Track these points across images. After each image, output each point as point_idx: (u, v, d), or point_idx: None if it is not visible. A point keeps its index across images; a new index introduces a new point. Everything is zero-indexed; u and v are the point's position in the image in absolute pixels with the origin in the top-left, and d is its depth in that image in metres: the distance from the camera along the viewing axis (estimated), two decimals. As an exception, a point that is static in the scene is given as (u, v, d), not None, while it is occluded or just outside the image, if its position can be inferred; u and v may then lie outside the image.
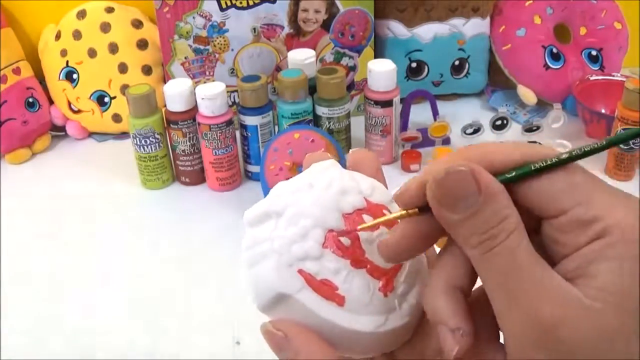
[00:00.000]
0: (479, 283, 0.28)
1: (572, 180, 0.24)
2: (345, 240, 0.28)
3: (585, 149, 0.25)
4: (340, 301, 0.27)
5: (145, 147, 0.81)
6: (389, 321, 0.28)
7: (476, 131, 0.87)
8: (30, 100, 0.95)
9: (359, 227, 0.28)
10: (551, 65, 0.96)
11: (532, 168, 0.24)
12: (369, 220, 0.29)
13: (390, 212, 0.30)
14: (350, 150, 0.33)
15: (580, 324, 0.22)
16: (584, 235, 0.23)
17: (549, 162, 0.24)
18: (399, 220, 0.27)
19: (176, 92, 0.79)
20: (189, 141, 0.82)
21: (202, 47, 0.91)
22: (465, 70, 1.01)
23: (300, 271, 0.27)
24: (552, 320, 0.22)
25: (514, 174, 0.25)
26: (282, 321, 0.28)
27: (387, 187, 0.32)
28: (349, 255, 0.28)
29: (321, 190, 0.29)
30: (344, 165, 0.32)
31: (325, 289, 0.27)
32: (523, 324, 0.23)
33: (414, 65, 0.99)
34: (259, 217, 0.29)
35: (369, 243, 0.29)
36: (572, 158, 0.25)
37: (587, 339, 0.22)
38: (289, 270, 0.27)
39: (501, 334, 0.26)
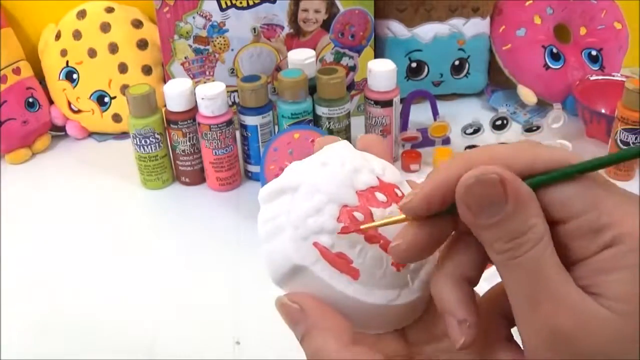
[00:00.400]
0: (490, 278, 0.28)
1: (583, 185, 0.24)
2: (359, 216, 0.28)
3: (616, 156, 0.24)
4: (354, 274, 0.28)
5: (145, 147, 0.81)
6: (401, 296, 0.29)
7: (476, 131, 0.87)
8: (30, 100, 0.95)
9: (362, 226, 0.28)
10: (551, 65, 0.96)
11: (568, 171, 0.24)
12: (381, 198, 0.30)
13: (401, 192, 0.31)
14: (359, 135, 0.34)
15: (597, 335, 0.22)
16: (594, 243, 0.23)
17: (583, 166, 0.24)
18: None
19: (176, 92, 0.79)
20: (189, 141, 0.82)
21: (202, 47, 0.91)
22: (465, 70, 1.01)
23: (316, 244, 0.28)
24: (570, 332, 0.23)
25: (546, 176, 0.24)
26: (298, 294, 0.28)
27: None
28: (362, 230, 0.28)
29: (335, 167, 0.29)
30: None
31: (340, 262, 0.28)
32: (541, 332, 0.23)
33: (414, 65, 0.99)
34: (274, 192, 0.29)
35: (381, 219, 0.29)
36: (606, 163, 0.24)
37: (604, 349, 0.22)
38: (304, 243, 0.28)
39: (515, 332, 0.26)
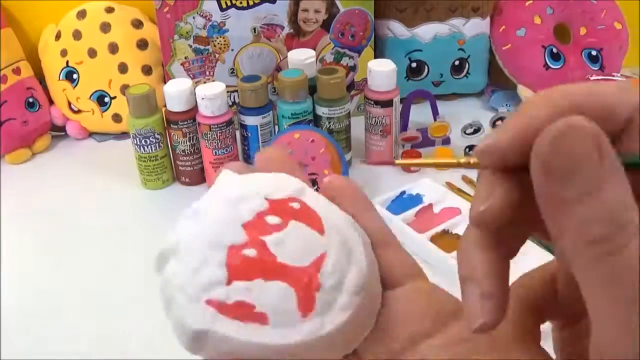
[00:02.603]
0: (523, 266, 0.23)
1: None
2: (250, 252, 0.25)
3: None
4: (262, 319, 0.24)
5: (145, 147, 0.81)
6: (326, 322, 0.25)
7: (476, 131, 0.87)
8: (30, 100, 0.95)
9: (397, 161, 0.25)
10: (551, 65, 0.96)
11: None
12: (273, 221, 0.26)
13: (300, 203, 0.27)
14: (325, 179, 0.30)
15: None
16: None
17: None
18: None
19: (176, 92, 0.79)
20: (189, 141, 0.82)
21: (202, 47, 0.91)
22: (465, 70, 1.01)
23: (209, 301, 0.25)
24: None
25: None
26: None
27: (381, 221, 0.28)
28: (258, 268, 0.25)
29: (213, 208, 0.27)
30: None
31: (242, 311, 0.24)
32: (622, 337, 0.18)
33: (414, 65, 0.99)
34: (158, 262, 0.27)
35: (278, 245, 0.25)
36: None
37: None
38: (196, 305, 0.25)
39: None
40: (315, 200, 0.28)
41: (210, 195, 0.28)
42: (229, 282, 0.25)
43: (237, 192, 0.27)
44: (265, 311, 0.24)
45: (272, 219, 0.26)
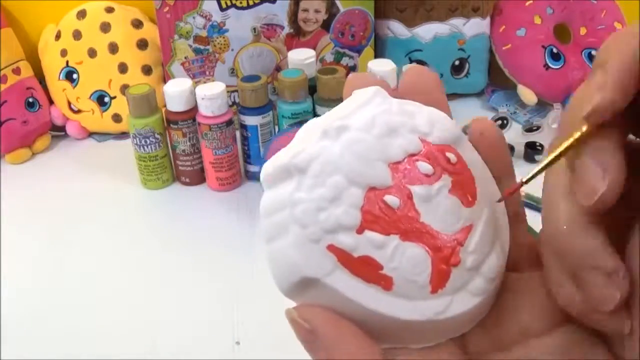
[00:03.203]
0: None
1: None
2: (393, 201, 0.21)
3: None
4: (386, 284, 0.21)
5: (145, 147, 0.81)
6: (453, 304, 0.21)
7: (476, 131, 0.87)
8: (30, 100, 0.95)
9: (524, 178, 0.21)
10: (551, 65, 0.96)
11: None
12: (425, 169, 0.22)
13: (455, 155, 0.23)
14: (404, 68, 0.26)
15: None
16: None
17: None
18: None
19: (176, 92, 0.79)
20: (189, 141, 0.82)
21: (202, 47, 0.91)
22: (465, 70, 1.01)
23: (331, 247, 0.21)
24: None
25: None
26: (311, 309, 0.21)
27: (450, 116, 0.24)
28: (397, 222, 0.21)
29: (358, 132, 0.22)
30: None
31: (366, 269, 0.21)
32: None
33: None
34: (277, 174, 0.22)
35: (425, 201, 0.22)
36: None
37: None
38: (315, 247, 0.21)
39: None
40: (471, 155, 0.24)
41: (356, 113, 0.22)
42: (360, 230, 0.21)
43: (390, 121, 0.22)
44: (393, 276, 0.21)
45: (424, 167, 0.22)
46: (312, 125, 0.23)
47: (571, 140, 0.19)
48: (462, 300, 0.22)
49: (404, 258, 0.21)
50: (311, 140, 0.22)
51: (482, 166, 0.24)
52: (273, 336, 0.56)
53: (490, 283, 0.22)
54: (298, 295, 0.22)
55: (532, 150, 0.85)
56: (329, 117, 0.23)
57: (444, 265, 0.21)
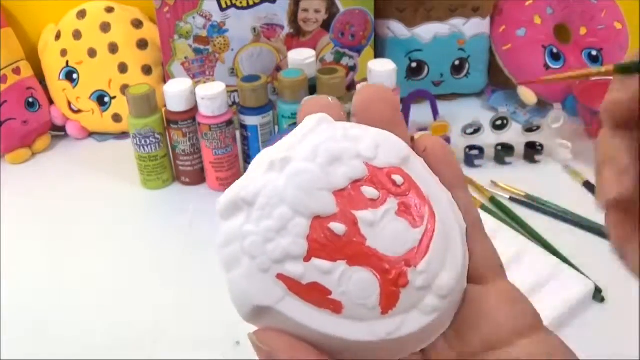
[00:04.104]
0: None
1: None
2: (338, 228, 0.22)
3: None
4: (336, 308, 0.21)
5: (145, 147, 0.81)
6: (405, 324, 0.22)
7: (476, 131, 0.87)
8: (30, 100, 0.95)
9: (544, 78, 0.23)
10: (551, 65, 0.96)
11: None
12: (370, 194, 0.22)
13: (403, 175, 0.23)
14: (358, 86, 0.26)
15: None
16: None
17: None
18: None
19: (176, 92, 0.79)
20: (189, 141, 0.82)
21: (202, 47, 0.91)
22: (465, 70, 1.01)
23: (280, 276, 0.21)
24: None
25: None
26: (268, 332, 0.22)
27: (406, 137, 0.25)
28: (343, 248, 0.22)
29: (302, 163, 0.22)
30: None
31: (315, 295, 0.21)
32: None
33: (414, 65, 0.99)
34: (228, 208, 0.23)
35: (371, 225, 0.22)
36: None
37: None
38: (265, 277, 0.21)
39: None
40: (419, 173, 0.24)
41: (300, 143, 0.23)
42: (307, 258, 0.21)
43: (333, 149, 0.23)
44: (342, 300, 0.21)
45: (369, 191, 0.22)
46: (261, 156, 0.23)
47: (597, 70, 0.22)
48: (414, 319, 0.22)
49: (352, 282, 0.21)
50: (258, 173, 0.23)
51: (429, 179, 0.24)
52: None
53: (443, 300, 0.23)
54: (256, 321, 0.22)
55: (532, 150, 0.85)
56: (276, 148, 0.23)
57: (392, 287, 0.22)
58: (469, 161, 0.86)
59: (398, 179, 0.23)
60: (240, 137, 0.83)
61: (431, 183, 0.24)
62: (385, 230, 0.22)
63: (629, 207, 0.21)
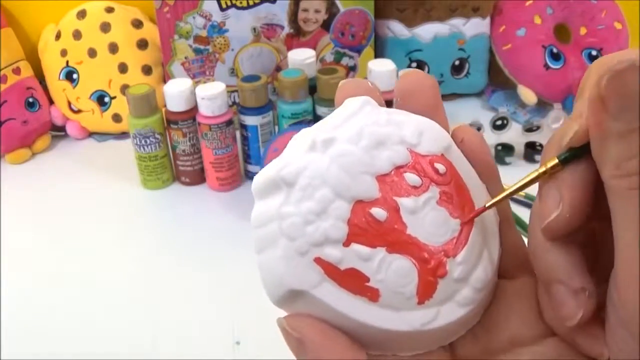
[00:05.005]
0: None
1: None
2: (379, 214, 0.21)
3: None
4: (372, 295, 0.21)
5: (145, 147, 0.81)
6: (440, 315, 0.22)
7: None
8: (30, 100, 0.95)
9: (487, 205, 0.22)
10: (551, 65, 0.96)
11: None
12: (412, 181, 0.22)
13: (445, 164, 0.23)
14: (401, 72, 0.26)
15: None
16: None
17: None
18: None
19: (176, 92, 0.79)
20: (189, 141, 0.82)
21: (202, 47, 0.91)
22: (465, 70, 1.01)
23: (318, 260, 0.21)
24: None
25: None
26: (299, 318, 0.22)
27: (447, 125, 0.24)
28: (384, 235, 0.21)
29: (346, 144, 0.22)
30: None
31: (352, 281, 0.21)
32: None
33: (414, 65, 0.99)
34: (266, 187, 0.22)
35: (412, 213, 0.22)
36: None
37: None
38: (302, 260, 0.21)
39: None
40: (460, 163, 0.24)
41: (344, 125, 0.22)
42: (347, 243, 0.21)
43: (378, 133, 0.22)
44: (380, 288, 0.21)
45: (412, 178, 0.22)
46: (301, 136, 0.23)
47: (537, 173, 0.21)
48: (449, 310, 0.22)
49: (390, 270, 0.21)
50: (299, 152, 0.22)
51: (470, 172, 0.24)
52: (273, 336, 0.56)
53: (478, 293, 0.22)
54: (287, 305, 0.22)
55: (532, 150, 0.85)
56: (318, 128, 0.23)
57: (430, 277, 0.22)
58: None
59: (440, 167, 0.23)
60: (240, 137, 0.83)
61: (471, 174, 0.24)
62: (426, 219, 0.22)
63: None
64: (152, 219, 0.80)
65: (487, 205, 0.22)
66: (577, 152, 0.20)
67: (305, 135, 0.23)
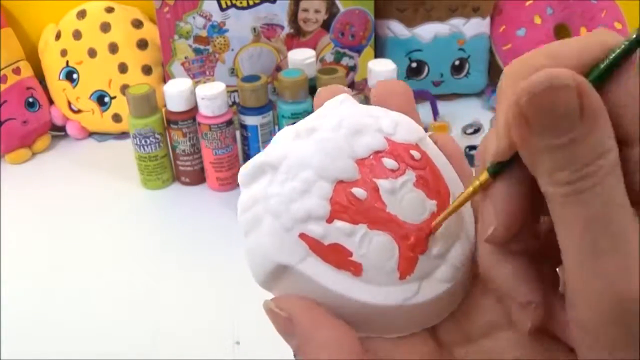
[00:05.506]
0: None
1: None
2: (360, 193, 0.22)
3: None
4: (356, 270, 0.22)
5: (145, 147, 0.81)
6: (421, 290, 0.23)
7: (476, 131, 0.87)
8: (30, 100, 0.95)
9: (433, 224, 0.23)
10: (551, 65, 0.96)
11: (602, 66, 0.19)
12: (390, 164, 0.23)
13: (420, 152, 0.24)
14: (376, 82, 0.28)
15: None
16: None
17: (622, 48, 0.18)
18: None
19: (176, 92, 0.79)
20: (189, 141, 0.82)
21: (202, 47, 0.91)
22: (466, 70, 1.01)
23: (303, 235, 0.22)
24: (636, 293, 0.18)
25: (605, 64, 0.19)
26: (287, 297, 0.22)
27: (420, 124, 0.26)
28: (365, 212, 0.22)
29: (327, 132, 0.23)
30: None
31: (336, 256, 0.22)
32: (602, 296, 0.18)
33: (414, 65, 0.99)
34: (252, 173, 0.23)
35: (391, 193, 0.23)
36: None
37: None
38: (288, 235, 0.22)
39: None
40: (434, 153, 0.25)
41: (325, 117, 0.24)
42: (330, 220, 0.22)
43: (355, 123, 0.24)
44: (362, 262, 0.22)
45: (389, 162, 0.23)
46: (286, 129, 0.24)
47: (473, 187, 0.22)
48: (430, 286, 0.23)
49: (372, 245, 0.22)
50: (284, 142, 0.24)
51: (444, 161, 0.26)
52: (273, 336, 0.56)
53: (457, 271, 0.23)
54: (273, 284, 0.23)
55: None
56: (301, 121, 0.24)
57: (410, 253, 0.23)
58: (469, 161, 0.86)
59: (416, 154, 0.24)
60: (240, 137, 0.83)
61: (447, 167, 0.25)
62: (404, 199, 0.23)
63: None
64: (152, 219, 0.80)
65: (432, 225, 0.23)
66: (506, 164, 0.21)
67: (290, 128, 0.24)
